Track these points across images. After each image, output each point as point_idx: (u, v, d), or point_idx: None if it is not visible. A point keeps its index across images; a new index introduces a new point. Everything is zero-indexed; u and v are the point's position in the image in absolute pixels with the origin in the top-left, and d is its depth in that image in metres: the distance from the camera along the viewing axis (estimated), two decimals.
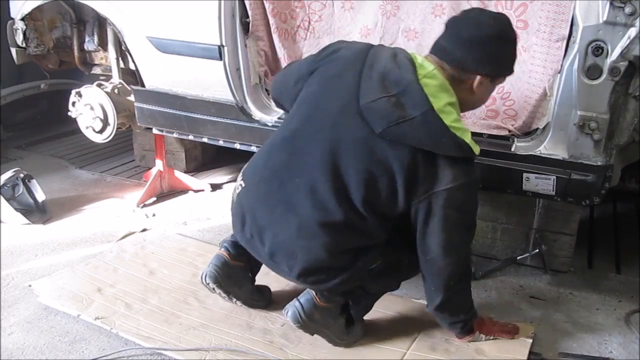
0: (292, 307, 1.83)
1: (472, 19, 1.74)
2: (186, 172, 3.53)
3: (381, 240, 1.78)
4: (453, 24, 1.75)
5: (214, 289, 2.00)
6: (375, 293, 1.94)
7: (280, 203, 1.75)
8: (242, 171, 1.91)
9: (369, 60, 1.71)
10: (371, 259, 1.79)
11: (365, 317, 1.98)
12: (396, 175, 1.65)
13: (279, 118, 2.55)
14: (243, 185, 1.86)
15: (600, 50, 1.86)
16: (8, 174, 2.98)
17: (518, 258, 2.39)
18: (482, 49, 1.69)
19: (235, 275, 2.01)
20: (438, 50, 1.75)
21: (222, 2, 2.52)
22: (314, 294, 1.82)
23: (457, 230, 1.71)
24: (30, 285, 2.24)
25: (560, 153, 2.05)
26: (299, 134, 1.77)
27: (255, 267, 2.07)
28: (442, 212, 1.66)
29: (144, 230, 2.75)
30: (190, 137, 2.86)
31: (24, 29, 3.25)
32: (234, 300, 2.06)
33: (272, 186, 1.77)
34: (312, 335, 1.86)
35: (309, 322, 1.83)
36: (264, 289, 2.14)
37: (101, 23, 3.27)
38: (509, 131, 2.22)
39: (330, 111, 1.72)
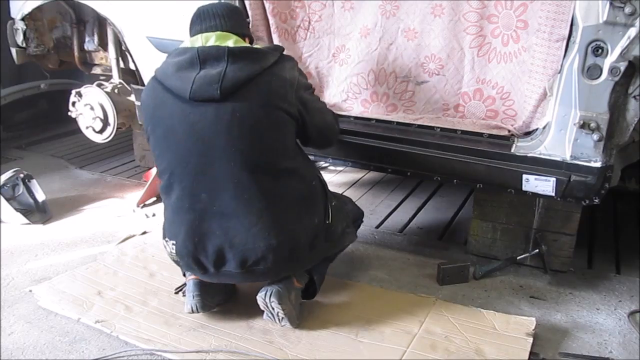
0: (274, 287, 1.93)
1: None
2: None
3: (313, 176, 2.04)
4: None
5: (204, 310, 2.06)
6: (340, 238, 2.13)
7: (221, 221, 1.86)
8: (164, 235, 1.99)
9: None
10: (317, 206, 2.00)
11: (365, 315, 1.99)
12: None
13: None
14: (175, 242, 1.93)
15: (600, 50, 1.86)
16: (8, 174, 2.98)
17: (518, 258, 2.38)
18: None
19: (213, 287, 2.05)
20: None
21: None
22: (292, 275, 1.97)
23: None
24: (31, 291, 2.24)
25: (560, 153, 2.05)
26: (177, 171, 1.90)
27: None
28: None
29: (144, 233, 2.75)
30: None
31: (24, 29, 3.26)
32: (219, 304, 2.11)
33: (202, 216, 1.87)
34: (286, 314, 1.94)
35: (288, 302, 1.94)
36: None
37: (101, 23, 3.28)
38: (509, 131, 2.22)
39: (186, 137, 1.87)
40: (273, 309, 1.93)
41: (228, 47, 1.86)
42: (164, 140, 1.90)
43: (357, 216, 2.34)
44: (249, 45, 2.04)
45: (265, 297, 1.92)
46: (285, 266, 1.93)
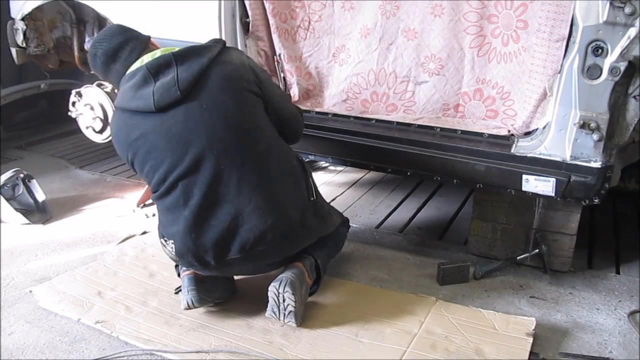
0: (288, 277, 1.94)
1: None
2: None
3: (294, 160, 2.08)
4: None
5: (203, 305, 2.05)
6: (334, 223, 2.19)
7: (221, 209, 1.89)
8: (162, 235, 2.01)
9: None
10: (302, 182, 2.06)
11: (364, 314, 1.98)
12: None
13: None
14: (174, 241, 1.95)
15: (600, 50, 1.87)
16: (8, 174, 2.98)
17: (518, 258, 2.38)
18: None
19: (209, 282, 2.05)
20: None
21: (222, 2, 2.53)
22: (304, 269, 2.01)
23: None
24: (31, 291, 2.24)
25: (560, 153, 2.05)
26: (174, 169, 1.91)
27: None
28: None
29: (144, 233, 2.75)
30: None
31: (24, 29, 3.25)
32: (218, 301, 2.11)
33: (197, 211, 1.89)
34: (295, 308, 1.94)
35: (299, 295, 1.95)
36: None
37: (101, 23, 3.28)
38: (509, 131, 2.22)
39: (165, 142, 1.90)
40: (284, 299, 1.93)
41: (172, 52, 1.91)
42: (148, 156, 1.93)
43: (344, 218, 2.38)
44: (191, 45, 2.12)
45: (279, 287, 1.93)
46: (283, 245, 1.97)
